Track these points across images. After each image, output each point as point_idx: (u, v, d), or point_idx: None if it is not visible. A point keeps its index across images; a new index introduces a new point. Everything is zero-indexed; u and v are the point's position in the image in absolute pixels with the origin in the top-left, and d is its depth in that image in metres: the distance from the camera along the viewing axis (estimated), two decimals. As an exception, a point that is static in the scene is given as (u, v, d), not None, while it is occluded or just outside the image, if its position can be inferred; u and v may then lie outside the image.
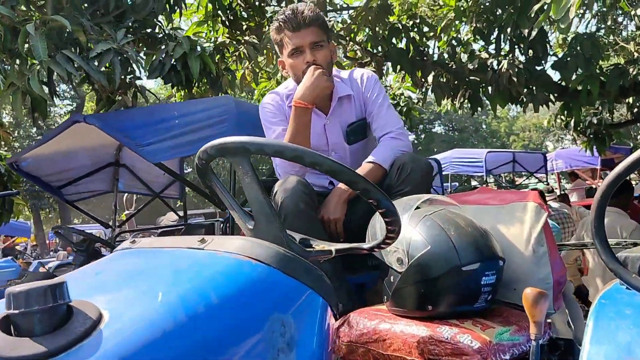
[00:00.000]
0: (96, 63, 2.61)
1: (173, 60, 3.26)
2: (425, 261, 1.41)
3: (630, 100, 6.59)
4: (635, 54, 6.99)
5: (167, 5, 3.30)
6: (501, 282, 1.48)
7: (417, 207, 1.60)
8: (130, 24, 3.42)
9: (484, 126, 39.35)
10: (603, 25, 8.47)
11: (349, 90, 2.09)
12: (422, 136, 38.39)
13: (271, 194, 1.83)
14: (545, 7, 2.33)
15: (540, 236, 1.53)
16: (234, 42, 4.33)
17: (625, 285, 1.12)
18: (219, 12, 4.07)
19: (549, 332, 1.47)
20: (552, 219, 4.99)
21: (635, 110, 6.75)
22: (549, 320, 1.49)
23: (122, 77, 3.21)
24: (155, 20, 3.74)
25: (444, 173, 9.46)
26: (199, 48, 3.40)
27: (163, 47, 3.35)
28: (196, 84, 3.81)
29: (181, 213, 5.24)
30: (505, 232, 1.58)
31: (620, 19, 8.03)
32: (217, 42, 4.13)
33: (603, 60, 6.41)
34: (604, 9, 7.58)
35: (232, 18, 4.17)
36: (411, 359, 1.36)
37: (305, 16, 1.92)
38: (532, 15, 4.27)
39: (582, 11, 8.15)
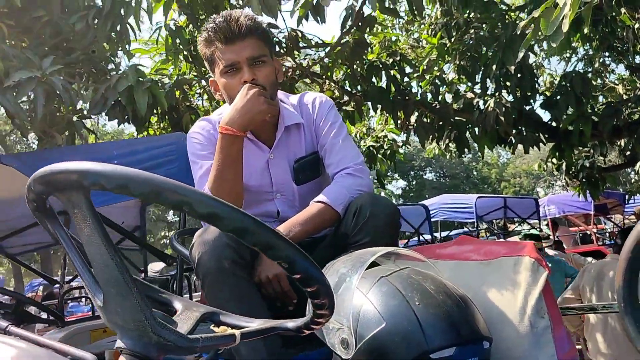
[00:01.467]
0: (14, 94, 2.23)
1: (118, 94, 2.88)
2: (380, 344, 0.99)
3: (623, 142, 6.31)
4: (625, 96, 6.78)
5: (113, 34, 2.95)
6: (488, 372, 1.06)
7: (374, 264, 1.20)
8: (78, 58, 3.08)
9: (474, 172, 39.36)
10: (590, 69, 8.31)
11: (298, 117, 1.71)
12: (414, 183, 38.28)
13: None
14: (533, 26, 2.00)
15: (540, 304, 1.12)
16: (197, 78, 3.99)
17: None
18: (180, 46, 3.74)
19: None
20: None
21: (628, 153, 6.47)
22: None
23: (59, 112, 2.84)
24: (110, 56, 3.41)
25: (433, 220, 9.07)
26: (152, 79, 3.04)
27: (107, 78, 2.98)
28: (149, 122, 3.45)
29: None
30: (491, 298, 1.17)
31: (607, 62, 7.87)
32: (178, 78, 3.79)
33: (593, 101, 6.16)
34: (591, 52, 7.42)
35: (194, 53, 3.84)
36: None
37: (241, 24, 1.55)
38: (519, 51, 4.01)
39: (568, 54, 8.01)
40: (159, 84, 3.93)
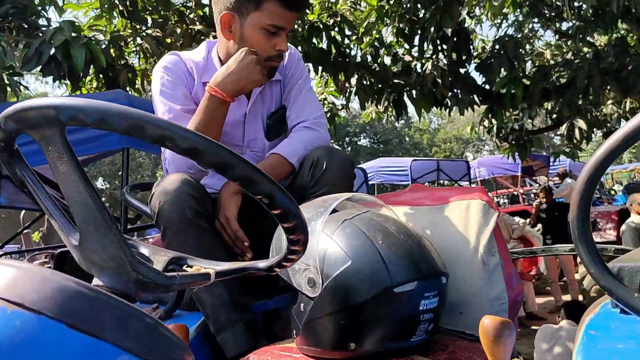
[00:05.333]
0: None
1: (53, 49, 2.73)
2: (346, 281, 1.03)
3: (549, 106, 6.64)
4: (552, 61, 7.09)
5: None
6: (445, 306, 1.13)
7: (335, 210, 1.23)
8: (7, 11, 2.88)
9: (407, 139, 40.28)
10: (520, 35, 8.61)
11: (277, 73, 1.65)
12: (349, 149, 38.74)
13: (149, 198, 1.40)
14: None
15: (491, 243, 1.19)
16: (134, 35, 3.82)
17: (619, 308, 0.79)
18: (115, 1, 3.56)
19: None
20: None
21: (555, 116, 6.82)
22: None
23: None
24: (41, 10, 3.20)
25: (370, 183, 9.27)
26: (87, 36, 2.89)
27: (42, 34, 2.81)
28: (84, 79, 3.29)
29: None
30: (446, 240, 1.24)
31: (536, 27, 8.17)
32: (114, 34, 3.61)
33: (523, 64, 6.42)
34: (521, 18, 7.67)
35: (131, 9, 3.67)
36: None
37: None
38: (460, 12, 4.11)
39: (499, 20, 8.25)
40: (94, 41, 3.75)
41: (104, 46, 3.48)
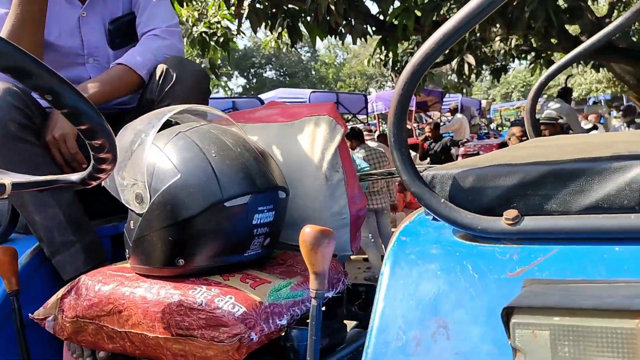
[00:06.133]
0: None
1: None
2: (174, 196, 0.98)
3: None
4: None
5: None
6: (284, 220, 1.11)
7: (172, 123, 1.16)
8: None
9: (313, 72, 40.09)
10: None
11: None
12: (254, 81, 37.97)
13: None
14: None
15: (335, 159, 1.18)
16: None
17: (431, 216, 0.80)
18: None
19: (343, 280, 1.15)
20: (365, 158, 4.92)
21: (447, 51, 7.00)
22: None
23: None
24: None
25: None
26: None
27: None
28: None
29: None
30: (292, 155, 1.21)
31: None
32: None
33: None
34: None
35: None
36: (154, 335, 0.94)
37: None
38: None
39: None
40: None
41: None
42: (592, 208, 0.69)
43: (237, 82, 39.47)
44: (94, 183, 0.84)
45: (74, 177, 0.84)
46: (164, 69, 1.37)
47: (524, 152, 0.92)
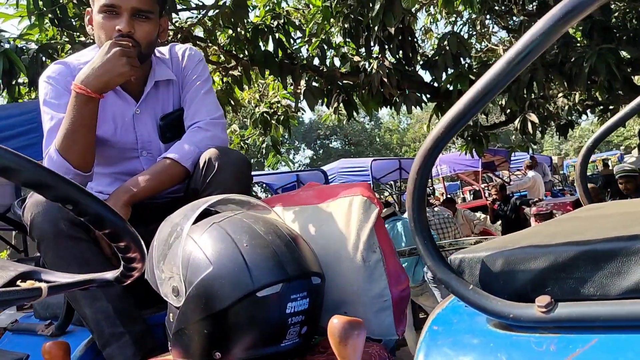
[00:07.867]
0: None
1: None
2: (207, 288, 0.98)
3: (503, 102, 6.71)
4: (503, 57, 7.16)
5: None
6: (321, 306, 1.09)
7: (212, 212, 1.18)
8: None
9: (377, 139, 40.48)
10: (474, 32, 8.70)
11: (170, 74, 1.61)
12: (320, 151, 38.75)
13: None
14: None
15: (372, 239, 1.16)
16: (66, 42, 3.72)
17: (464, 303, 0.76)
18: (43, 8, 3.45)
19: (388, 368, 1.10)
20: (430, 223, 4.82)
21: (509, 111, 6.89)
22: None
23: None
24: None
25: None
26: (6, 45, 2.78)
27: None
28: (17, 91, 3.17)
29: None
30: (327, 238, 1.20)
31: (489, 24, 8.27)
32: (43, 42, 3.49)
33: (476, 62, 6.46)
34: (474, 15, 7.75)
35: (61, 15, 3.56)
36: None
37: None
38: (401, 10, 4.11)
39: (453, 18, 8.33)
40: (24, 50, 3.63)
41: (31, 55, 3.36)
42: (631, 291, 0.63)
43: (305, 154, 40.42)
44: (128, 281, 0.87)
45: (109, 275, 0.87)
46: (207, 159, 1.42)
47: (562, 228, 0.86)
